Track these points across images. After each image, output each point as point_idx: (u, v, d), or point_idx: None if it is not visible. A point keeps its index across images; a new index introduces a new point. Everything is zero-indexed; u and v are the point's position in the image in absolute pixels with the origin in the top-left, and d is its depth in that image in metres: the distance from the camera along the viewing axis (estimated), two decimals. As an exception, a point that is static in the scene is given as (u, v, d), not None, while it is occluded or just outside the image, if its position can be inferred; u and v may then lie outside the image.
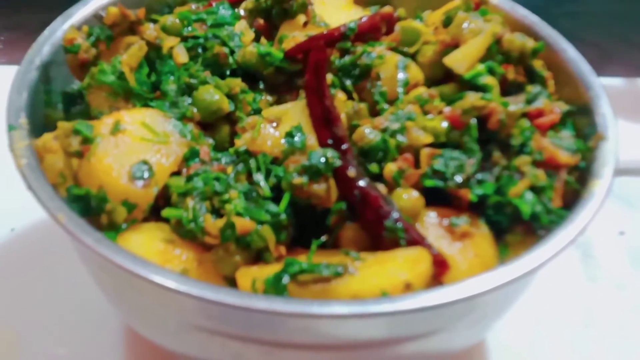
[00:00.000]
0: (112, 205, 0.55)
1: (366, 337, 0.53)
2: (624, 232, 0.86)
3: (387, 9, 0.71)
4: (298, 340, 0.53)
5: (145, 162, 0.57)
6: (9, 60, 1.12)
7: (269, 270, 0.53)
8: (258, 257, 0.56)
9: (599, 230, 0.85)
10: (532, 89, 0.65)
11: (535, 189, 0.59)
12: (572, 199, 0.58)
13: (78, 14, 0.68)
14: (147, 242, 0.55)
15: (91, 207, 0.56)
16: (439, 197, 0.60)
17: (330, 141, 0.58)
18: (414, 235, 0.55)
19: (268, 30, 0.72)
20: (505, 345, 0.73)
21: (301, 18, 0.71)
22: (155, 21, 0.71)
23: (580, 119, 0.64)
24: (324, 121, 0.58)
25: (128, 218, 0.56)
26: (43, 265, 0.79)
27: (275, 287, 0.51)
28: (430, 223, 0.58)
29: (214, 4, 0.73)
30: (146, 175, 0.56)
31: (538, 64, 0.66)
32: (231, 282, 0.55)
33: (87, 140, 0.57)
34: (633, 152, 0.91)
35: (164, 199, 0.59)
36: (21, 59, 1.04)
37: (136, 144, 0.58)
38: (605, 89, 0.97)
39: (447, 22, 0.69)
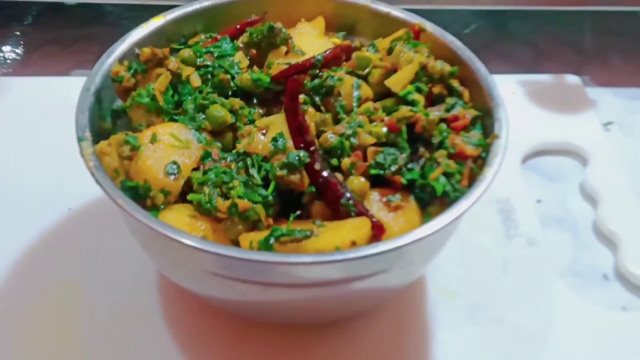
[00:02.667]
0: (154, 193, 0.67)
1: (327, 278, 0.65)
2: (540, 200, 0.99)
3: (346, 42, 0.85)
4: (281, 281, 0.65)
5: (174, 162, 0.68)
6: (36, 72, 1.21)
7: (261, 235, 0.64)
8: (254, 226, 0.67)
9: (520, 199, 0.97)
10: (451, 100, 0.76)
11: (447, 174, 0.69)
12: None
13: (117, 51, 0.80)
14: (178, 217, 0.66)
15: (139, 194, 0.67)
16: (380, 182, 0.71)
17: (302, 145, 0.69)
18: (361, 209, 0.66)
19: (259, 58, 0.83)
20: (440, 287, 0.86)
21: (283, 48, 0.82)
22: (175, 50, 0.83)
23: (486, 121, 0.77)
24: (298, 131, 0.70)
25: (165, 201, 0.67)
26: (95, 236, 0.88)
27: (265, 246, 0.63)
28: (374, 200, 0.70)
29: (218, 38, 0.83)
30: (176, 171, 0.68)
31: (455, 82, 0.78)
32: (236, 244, 0.66)
33: (134, 148, 0.69)
34: (553, 136, 1.08)
35: (188, 187, 0.69)
36: (58, 71, 1.16)
37: (168, 149, 0.69)
38: (536, 84, 1.14)
39: (389, 51, 0.80)
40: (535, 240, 0.93)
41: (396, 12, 0.89)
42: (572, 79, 1.20)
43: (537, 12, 1.30)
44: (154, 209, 0.68)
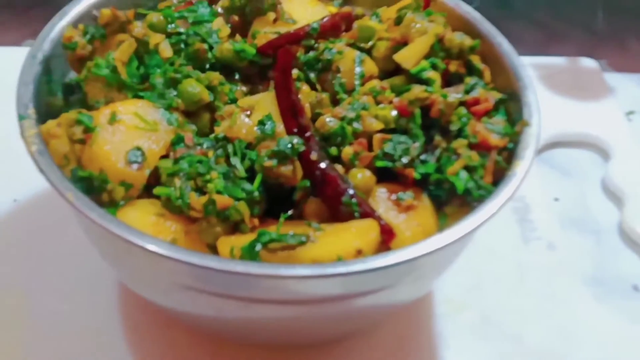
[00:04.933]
0: (112, 186, 0.59)
1: (324, 294, 0.58)
2: (558, 198, 0.92)
3: (346, 9, 0.75)
4: (268, 296, 0.58)
5: (138, 148, 0.61)
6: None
7: (244, 239, 0.57)
8: (235, 228, 0.60)
9: (536, 196, 0.91)
10: (470, 80, 0.68)
11: (469, 168, 0.63)
12: (500, 176, 0.63)
13: (72, 12, 0.71)
14: (142, 216, 0.59)
15: (93, 187, 0.60)
16: (388, 176, 0.64)
17: (295, 129, 0.62)
18: (366, 209, 0.59)
19: (242, 26, 0.74)
20: (448, 298, 0.79)
21: (271, 15, 0.73)
22: (142, 15, 0.73)
23: (512, 105, 0.69)
24: (290, 113, 0.62)
25: (125, 196, 0.60)
26: (45, 232, 0.81)
27: (249, 254, 0.56)
28: (381, 198, 0.62)
29: (194, 2, 0.74)
30: (139, 159, 0.60)
31: (475, 59, 0.70)
32: (213, 250, 0.59)
33: (88, 130, 0.60)
34: (569, 126, 1.00)
35: (154, 178, 0.61)
36: (11, 40, 1.07)
37: (130, 132, 0.62)
38: (548, 68, 1.05)
39: (398, 21, 0.72)
40: (555, 244, 0.86)
41: (401, -24, 0.80)
42: (588, 62, 1.11)
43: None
44: (111, 205, 0.61)
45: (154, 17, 0.72)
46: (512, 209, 0.90)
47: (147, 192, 0.62)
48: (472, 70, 0.71)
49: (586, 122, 1.02)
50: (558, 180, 0.95)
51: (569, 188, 0.95)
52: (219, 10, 0.76)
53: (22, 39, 1.12)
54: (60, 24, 0.71)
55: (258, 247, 0.56)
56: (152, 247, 0.54)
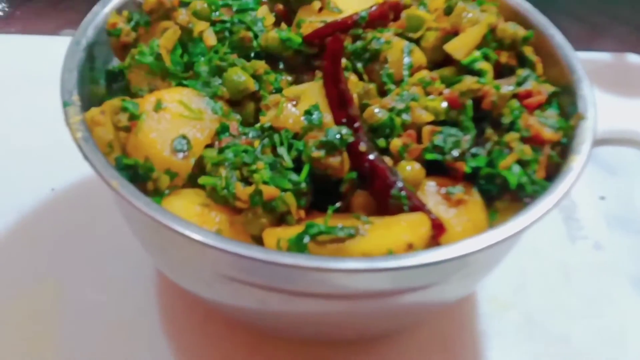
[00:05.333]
0: (157, 174, 0.59)
1: (373, 289, 0.57)
2: (604, 197, 0.90)
3: None
4: (315, 290, 0.57)
5: (184, 137, 0.60)
6: (21, 29, 1.13)
7: (291, 231, 0.56)
8: (281, 219, 0.58)
9: (582, 195, 0.89)
10: (522, 72, 0.67)
11: (522, 162, 0.61)
12: (554, 171, 0.62)
13: None
14: (187, 205, 0.58)
15: (139, 175, 0.59)
16: (437, 169, 0.62)
17: (344, 120, 0.61)
18: (416, 202, 0.58)
19: (287, 14, 0.74)
20: (492, 297, 0.77)
21: (316, 4, 0.72)
22: (186, 4, 0.71)
23: (565, 98, 0.67)
24: (339, 103, 0.61)
25: (170, 185, 0.59)
26: (82, 222, 0.81)
27: (297, 246, 0.54)
28: (430, 191, 0.61)
29: None
30: (185, 148, 0.60)
31: (528, 50, 0.69)
32: (258, 241, 0.58)
33: (134, 117, 0.60)
34: (615, 123, 0.97)
35: (199, 168, 0.61)
36: (47, 29, 1.07)
37: (176, 120, 0.61)
38: (592, 63, 1.02)
39: (448, 10, 0.71)
40: (602, 243, 0.85)
41: (449, -33, 0.79)
42: (633, 58, 1.09)
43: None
44: (156, 194, 0.60)
45: (198, 4, 0.71)
46: (558, 207, 0.86)
47: (191, 181, 0.61)
48: (523, 62, 0.70)
49: (632, 119, 0.99)
50: (604, 178, 0.93)
51: (615, 186, 0.93)
52: (263, -2, 0.75)
53: (58, 28, 1.12)
54: (104, 11, 0.70)
55: (306, 239, 0.55)
56: (197, 236, 0.53)
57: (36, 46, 1.03)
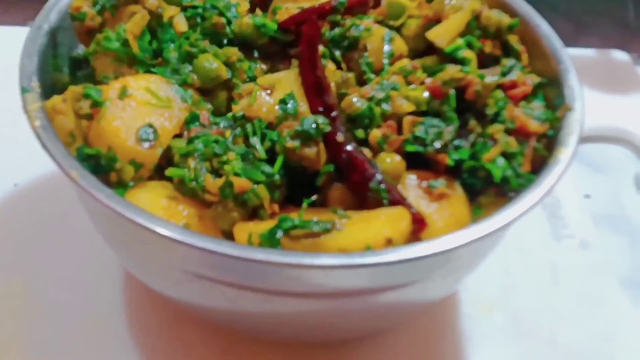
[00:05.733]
0: (121, 165, 0.56)
1: (351, 286, 0.54)
2: (589, 195, 0.88)
3: None
4: (289, 288, 0.54)
5: (150, 125, 0.57)
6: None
7: (263, 226, 0.54)
8: (253, 213, 0.56)
9: (567, 192, 0.87)
10: (507, 62, 0.65)
11: (507, 155, 0.59)
12: (540, 165, 0.60)
13: None
14: (153, 198, 0.56)
15: (101, 166, 0.56)
16: (419, 161, 0.60)
17: (321, 108, 0.58)
18: (396, 196, 0.56)
19: (263, 1, 0.71)
20: (476, 298, 0.75)
21: None
22: None
23: (551, 90, 0.65)
24: (315, 90, 0.59)
25: (135, 176, 0.57)
26: (46, 218, 0.78)
27: (269, 241, 0.52)
28: (411, 185, 0.59)
29: None
30: (151, 137, 0.57)
31: (513, 39, 0.67)
32: (229, 236, 0.55)
33: (96, 104, 0.57)
34: (600, 120, 0.96)
35: (166, 159, 0.58)
36: (15, 20, 1.03)
37: (142, 108, 0.58)
38: (578, 60, 1.00)
39: None
40: (588, 242, 0.83)
41: (432, -46, 0.77)
42: (619, 55, 1.07)
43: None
44: (120, 186, 0.57)
45: None
46: (542, 205, 0.85)
47: (158, 173, 0.59)
48: (508, 52, 0.68)
49: (618, 116, 0.98)
50: (589, 176, 0.92)
51: (600, 185, 0.91)
52: (238, -17, 0.72)
53: (26, 19, 1.08)
54: None
55: (279, 234, 0.53)
56: (163, 230, 0.51)
57: (2, 37, 0.99)
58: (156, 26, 0.66)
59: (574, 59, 0.99)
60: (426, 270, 0.56)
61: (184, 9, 0.68)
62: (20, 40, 0.64)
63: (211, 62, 0.63)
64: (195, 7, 0.68)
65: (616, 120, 0.97)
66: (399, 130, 0.61)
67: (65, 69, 0.66)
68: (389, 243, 0.52)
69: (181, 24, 0.67)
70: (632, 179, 0.91)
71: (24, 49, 0.62)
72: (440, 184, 0.59)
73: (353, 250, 0.51)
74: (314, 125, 0.57)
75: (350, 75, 0.64)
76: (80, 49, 0.67)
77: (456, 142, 0.61)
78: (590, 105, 0.95)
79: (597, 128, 0.96)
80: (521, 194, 0.56)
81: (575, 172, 0.91)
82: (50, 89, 0.61)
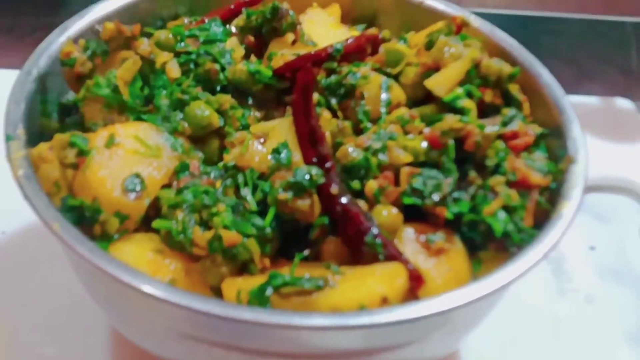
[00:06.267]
0: (105, 216, 0.55)
1: (344, 348, 0.53)
2: (594, 247, 0.87)
3: (372, 30, 0.72)
4: (279, 349, 0.53)
5: (137, 175, 0.57)
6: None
7: (253, 282, 0.53)
8: (243, 268, 0.56)
9: (571, 245, 0.85)
10: (508, 111, 0.65)
11: (508, 208, 0.58)
12: (542, 218, 0.58)
13: (74, 27, 0.67)
14: (138, 252, 0.55)
15: (85, 217, 0.56)
16: (416, 214, 0.60)
17: (315, 159, 0.58)
18: (392, 251, 0.55)
19: (258, 47, 0.72)
20: (477, 354, 0.73)
21: (290, 36, 0.71)
22: (149, 34, 0.69)
23: (553, 140, 0.64)
24: (309, 140, 0.58)
25: (120, 228, 0.56)
26: (33, 267, 0.78)
27: (259, 299, 0.51)
28: (408, 239, 0.58)
29: (206, 20, 0.71)
30: (138, 187, 0.56)
31: (514, 88, 0.67)
32: (217, 292, 0.55)
33: (82, 153, 0.57)
34: (605, 169, 0.93)
35: (154, 210, 0.58)
36: (11, 63, 1.03)
37: (129, 157, 0.58)
38: (580, 108, 0.99)
39: (429, 45, 0.69)
40: (593, 297, 0.81)
41: (431, 1, 0.77)
42: (623, 103, 1.07)
43: (573, 24, 1.22)
44: (103, 238, 0.56)
45: (162, 34, 0.69)
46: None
47: (145, 225, 0.58)
48: (509, 101, 0.67)
49: (622, 165, 0.95)
50: (594, 227, 0.90)
51: (605, 236, 0.89)
52: (233, 29, 0.73)
53: (23, 62, 1.08)
54: (60, 40, 0.67)
55: (269, 291, 0.52)
56: (147, 288, 0.50)
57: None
58: (148, 72, 0.67)
59: (576, 107, 0.98)
60: (424, 330, 0.55)
61: (178, 54, 0.68)
62: (11, 82, 0.63)
63: (203, 109, 0.63)
64: (188, 53, 0.68)
65: (620, 170, 0.95)
66: (396, 182, 0.60)
67: (55, 115, 0.66)
68: (385, 302, 0.51)
69: (174, 70, 0.67)
70: (637, 230, 0.90)
71: (11, 95, 0.61)
72: (438, 238, 0.58)
73: (346, 309, 0.50)
74: (307, 177, 0.56)
75: (347, 123, 0.64)
76: (70, 95, 0.67)
77: (455, 195, 0.60)
78: (594, 154, 0.94)
79: (601, 178, 0.93)
80: (524, 249, 0.55)
81: (580, 224, 0.88)
82: (37, 135, 0.61)
